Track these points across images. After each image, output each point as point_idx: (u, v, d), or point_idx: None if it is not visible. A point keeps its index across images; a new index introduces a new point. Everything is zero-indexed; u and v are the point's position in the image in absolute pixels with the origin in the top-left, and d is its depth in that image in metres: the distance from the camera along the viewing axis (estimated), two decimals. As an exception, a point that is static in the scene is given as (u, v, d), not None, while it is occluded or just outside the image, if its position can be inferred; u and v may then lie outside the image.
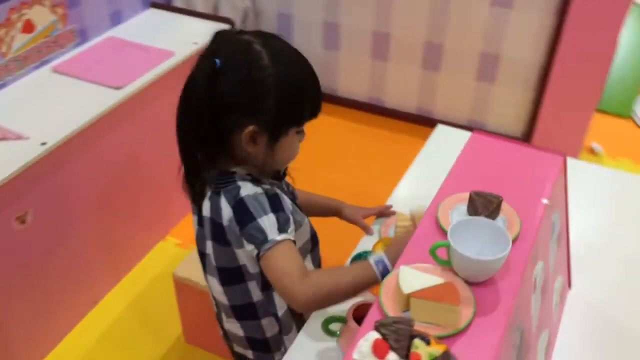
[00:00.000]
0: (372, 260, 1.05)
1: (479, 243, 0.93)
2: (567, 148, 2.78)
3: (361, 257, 1.35)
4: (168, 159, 2.33)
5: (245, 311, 1.23)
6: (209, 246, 1.17)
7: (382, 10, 2.94)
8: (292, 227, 1.08)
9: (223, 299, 1.23)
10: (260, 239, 1.04)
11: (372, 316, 0.89)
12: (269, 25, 3.23)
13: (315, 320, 1.26)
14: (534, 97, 2.84)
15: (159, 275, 2.33)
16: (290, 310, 1.25)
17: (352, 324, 1.20)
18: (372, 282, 1.05)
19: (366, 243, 1.45)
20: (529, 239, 1.00)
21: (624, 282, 1.39)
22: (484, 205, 0.99)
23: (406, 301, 0.87)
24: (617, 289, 1.37)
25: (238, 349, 1.34)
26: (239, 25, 2.92)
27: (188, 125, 1.11)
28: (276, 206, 1.08)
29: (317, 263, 1.34)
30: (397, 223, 1.43)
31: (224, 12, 3.01)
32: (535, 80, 2.80)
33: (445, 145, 1.80)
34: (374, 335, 0.80)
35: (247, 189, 1.09)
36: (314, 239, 1.29)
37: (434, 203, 1.07)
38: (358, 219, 1.43)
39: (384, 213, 1.48)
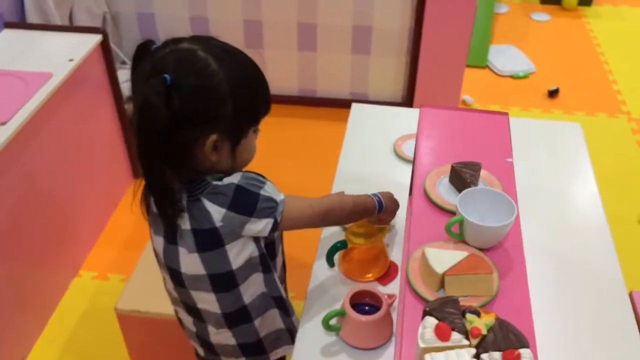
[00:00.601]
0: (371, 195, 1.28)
1: (478, 211, 0.99)
2: (446, 104, 3.01)
3: (336, 249, 1.36)
4: (67, 189, 2.20)
5: (238, 317, 1.21)
6: (194, 259, 1.12)
7: (250, -2, 2.90)
8: None
9: (215, 308, 1.19)
10: (273, 207, 1.08)
11: (409, 302, 0.91)
12: (131, 27, 3.07)
13: (313, 320, 1.26)
14: (409, 62, 2.99)
15: (85, 313, 2.17)
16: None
17: (352, 312, 1.21)
18: (371, 206, 1.26)
19: (331, 233, 1.46)
20: (512, 197, 1.07)
21: (554, 218, 1.54)
22: (470, 174, 1.05)
23: (439, 280, 0.91)
24: (554, 226, 1.52)
25: None
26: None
27: (152, 149, 1.03)
28: (261, 175, 1.11)
29: (284, 256, 1.34)
30: None
31: (81, 20, 2.79)
32: (408, 45, 2.95)
33: (366, 122, 1.88)
34: (431, 321, 0.83)
35: (232, 178, 1.07)
36: None
37: (417, 182, 1.11)
38: None
39: None
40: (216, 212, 1.06)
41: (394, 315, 1.26)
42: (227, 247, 1.10)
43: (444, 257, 0.91)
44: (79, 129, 2.27)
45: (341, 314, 1.23)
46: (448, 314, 0.83)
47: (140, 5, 3.01)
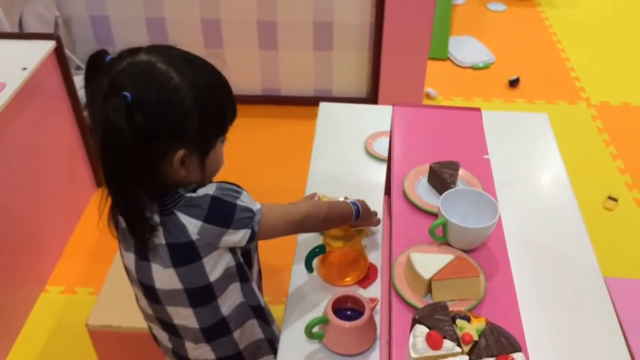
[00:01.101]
0: (350, 203, 1.27)
1: (460, 212, 0.97)
2: (410, 98, 3.02)
3: (315, 254, 1.33)
4: (27, 201, 2.11)
5: (217, 330, 1.18)
6: (169, 274, 1.08)
7: (208, -4, 2.84)
8: None
9: (192, 323, 1.16)
10: (250, 217, 1.06)
11: (397, 309, 0.89)
12: (84, 31, 2.97)
13: (295, 328, 1.23)
14: (371, 57, 2.98)
15: (54, 328, 2.09)
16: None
17: (334, 318, 1.19)
18: (348, 212, 1.26)
19: (308, 237, 1.44)
20: (492, 194, 1.06)
21: (528, 209, 1.55)
22: (450, 174, 1.04)
23: (426, 286, 0.89)
24: (526, 216, 1.52)
25: None
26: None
27: (118, 167, 0.98)
28: (237, 185, 1.08)
29: (259, 264, 1.31)
30: None
31: (32, 26, 2.68)
32: (370, 41, 2.94)
33: (335, 121, 1.85)
34: (421, 329, 0.81)
35: (207, 189, 1.04)
36: None
37: (395, 184, 1.09)
38: None
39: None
40: (192, 225, 1.03)
41: (377, 319, 1.24)
42: (204, 260, 1.07)
43: (430, 262, 0.90)
44: (37, 139, 2.18)
45: (324, 321, 1.20)
46: (438, 321, 0.82)
47: (93, 8, 2.92)
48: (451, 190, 0.99)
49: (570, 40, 3.79)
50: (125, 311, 1.72)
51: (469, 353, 0.79)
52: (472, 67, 3.54)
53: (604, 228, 2.47)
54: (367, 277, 1.38)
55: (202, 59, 1.05)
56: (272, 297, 1.98)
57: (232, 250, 1.10)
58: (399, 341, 0.83)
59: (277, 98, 3.17)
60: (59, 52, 2.24)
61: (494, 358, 0.77)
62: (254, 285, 1.19)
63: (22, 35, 2.33)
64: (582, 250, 1.45)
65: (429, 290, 0.90)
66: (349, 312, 1.25)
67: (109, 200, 1.07)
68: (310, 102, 2.75)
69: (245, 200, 1.06)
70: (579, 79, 3.43)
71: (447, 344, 0.79)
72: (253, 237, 1.07)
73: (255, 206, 1.07)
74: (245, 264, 1.14)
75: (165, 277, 1.09)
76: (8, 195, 2.02)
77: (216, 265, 1.09)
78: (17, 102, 2.00)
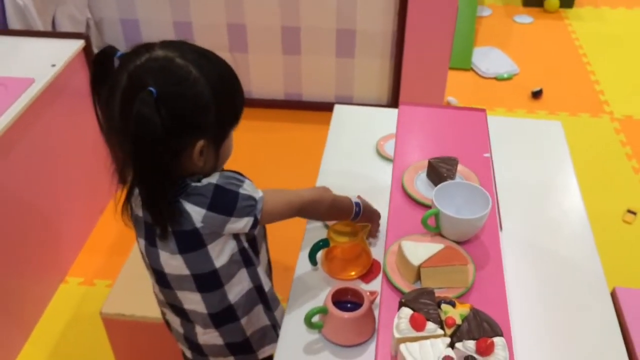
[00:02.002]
0: (353, 202, 1.30)
1: (455, 205, 1.00)
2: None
3: (319, 247, 1.36)
4: (52, 195, 2.18)
5: (224, 316, 1.22)
6: (177, 260, 1.13)
7: (233, 2, 2.91)
8: None
9: (201, 307, 1.20)
10: (252, 205, 1.08)
11: (386, 295, 0.91)
12: (114, 33, 3.07)
13: (296, 317, 1.26)
14: (393, 65, 3.01)
15: (71, 318, 2.15)
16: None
17: (333, 309, 1.22)
18: (349, 207, 1.29)
19: (315, 232, 1.47)
20: (488, 190, 1.08)
21: (536, 213, 1.56)
22: (447, 169, 1.06)
23: (415, 273, 0.91)
24: (535, 222, 1.53)
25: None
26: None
27: (148, 159, 1.02)
28: (239, 173, 1.12)
29: (269, 255, 1.34)
30: None
31: (64, 27, 2.79)
32: (392, 48, 2.97)
33: (348, 123, 1.89)
34: (406, 311, 0.83)
35: (211, 178, 1.08)
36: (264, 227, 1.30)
37: (395, 178, 1.12)
38: None
39: None
40: (196, 213, 1.06)
41: (377, 313, 1.26)
42: (209, 247, 1.11)
43: (420, 250, 0.92)
44: (63, 135, 2.27)
45: (323, 311, 1.23)
46: (423, 304, 0.84)
47: (124, 11, 3.02)
48: (446, 182, 1.02)
49: (596, 53, 3.76)
50: (139, 301, 1.78)
51: (451, 336, 0.81)
52: (495, 78, 3.54)
53: (623, 241, 2.45)
54: (370, 272, 1.40)
55: (214, 53, 1.09)
56: (281, 297, 2.01)
57: (236, 236, 1.14)
58: (386, 323, 0.85)
59: (298, 103, 3.22)
60: (87, 51, 2.32)
61: (475, 341, 0.79)
62: (260, 270, 1.22)
63: (52, 34, 2.42)
64: (588, 257, 1.44)
65: (418, 277, 0.92)
66: (349, 305, 1.27)
67: (124, 190, 1.12)
68: (331, 108, 2.78)
69: (247, 188, 1.09)
70: (603, 92, 3.40)
71: (430, 326, 0.81)
72: (256, 224, 1.11)
73: (258, 194, 1.10)
74: (250, 249, 1.18)
75: (173, 263, 1.14)
76: (33, 189, 2.09)
77: (222, 252, 1.13)
78: (45, 98, 2.08)
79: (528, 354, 1.12)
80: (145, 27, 3.05)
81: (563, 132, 1.86)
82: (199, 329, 1.25)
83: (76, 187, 2.38)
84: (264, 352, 1.31)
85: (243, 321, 1.24)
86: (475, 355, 0.77)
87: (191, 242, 1.10)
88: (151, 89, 0.96)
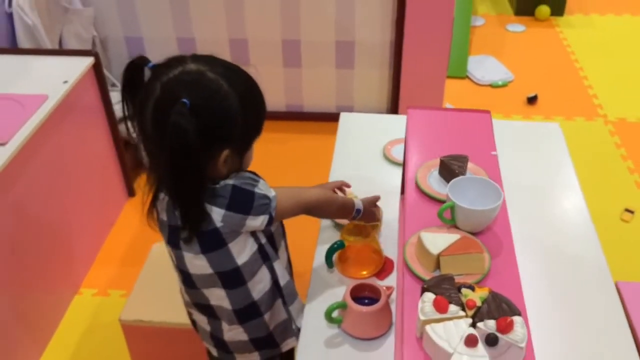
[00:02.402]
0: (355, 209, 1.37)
1: (467, 199, 1.06)
2: (429, 114, 3.11)
3: (334, 249, 1.42)
4: (64, 208, 2.24)
5: (248, 312, 1.27)
6: (201, 260, 1.18)
7: (235, 17, 2.99)
8: None
9: (226, 304, 1.25)
10: (267, 203, 1.15)
11: (408, 283, 0.97)
12: (119, 51, 3.14)
13: (315, 314, 1.32)
14: (391, 74, 3.09)
15: (87, 329, 2.20)
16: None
17: (352, 304, 1.28)
18: (349, 208, 1.36)
19: (329, 233, 1.53)
20: (499, 184, 1.14)
21: (539, 212, 1.62)
22: (458, 166, 1.13)
23: (435, 261, 0.98)
24: (539, 221, 1.59)
25: (242, 358, 1.35)
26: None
27: (182, 167, 1.07)
28: (254, 173, 1.18)
29: (288, 252, 1.39)
30: None
31: (71, 45, 2.86)
32: (390, 58, 3.05)
33: (355, 129, 1.96)
34: (429, 296, 0.90)
35: (228, 180, 1.13)
36: (282, 225, 1.35)
37: (409, 176, 1.18)
38: None
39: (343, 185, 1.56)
40: (216, 214, 1.12)
41: (393, 307, 1.32)
42: (230, 245, 1.17)
43: (438, 240, 0.98)
44: (75, 150, 2.32)
45: (342, 306, 1.29)
46: (445, 289, 0.90)
47: (128, 29, 3.09)
48: (459, 177, 1.08)
49: (587, 59, 3.86)
50: (157, 307, 1.83)
51: (473, 317, 0.87)
52: (490, 85, 3.63)
53: (622, 239, 2.52)
54: (383, 270, 1.46)
55: (240, 67, 1.16)
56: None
57: (254, 234, 1.20)
58: (409, 309, 0.91)
59: (300, 114, 3.29)
60: (97, 67, 2.39)
61: (495, 320, 0.85)
62: (277, 264, 1.27)
63: (62, 51, 2.49)
64: (592, 252, 1.50)
65: (438, 265, 0.98)
66: (366, 301, 1.33)
67: (149, 197, 1.19)
68: (332, 118, 2.84)
69: (262, 188, 1.15)
70: (597, 97, 3.49)
71: (452, 308, 0.88)
72: (271, 222, 1.17)
73: (271, 193, 1.17)
74: (269, 245, 1.24)
75: (197, 263, 1.20)
76: (46, 202, 2.14)
77: (242, 250, 1.19)
78: (59, 114, 2.14)
79: (542, 340, 1.18)
80: (149, 44, 3.12)
81: (562, 133, 1.94)
82: (224, 326, 1.30)
83: (88, 200, 2.43)
84: (286, 345, 1.37)
85: (266, 316, 1.30)
86: (497, 333, 0.83)
87: (213, 242, 1.16)
88: (185, 100, 1.02)
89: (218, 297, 1.25)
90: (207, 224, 1.13)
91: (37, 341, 2.13)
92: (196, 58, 1.10)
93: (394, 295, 1.34)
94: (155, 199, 1.21)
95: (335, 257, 1.47)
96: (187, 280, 1.26)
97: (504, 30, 4.25)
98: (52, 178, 2.17)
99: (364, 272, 1.45)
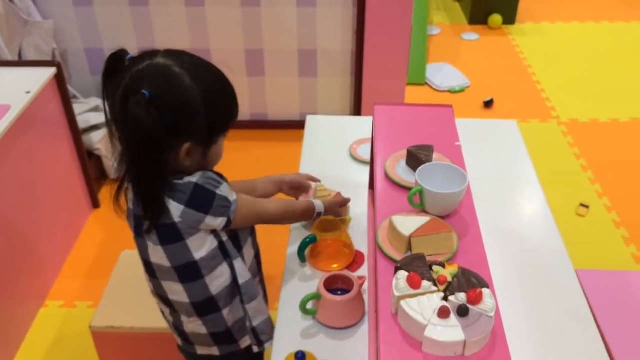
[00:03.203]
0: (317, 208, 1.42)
1: (435, 184, 1.11)
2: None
3: (307, 244, 1.46)
4: (27, 220, 2.21)
5: (206, 307, 1.28)
6: (159, 251, 1.20)
7: (197, 27, 3.02)
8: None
9: (184, 297, 1.27)
10: (227, 206, 1.17)
11: (382, 265, 1.01)
12: (80, 63, 3.12)
13: (290, 307, 1.34)
14: (353, 82, 3.15)
15: (54, 341, 2.17)
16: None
17: (327, 294, 1.31)
18: (310, 212, 1.42)
19: (301, 230, 1.56)
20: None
21: (501, 203, 1.70)
22: (425, 155, 1.18)
23: (406, 243, 1.02)
24: (501, 211, 1.66)
25: (202, 350, 1.37)
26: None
27: (138, 155, 1.11)
28: (219, 175, 1.19)
29: (256, 248, 1.40)
30: (317, 194, 1.57)
31: (30, 57, 2.82)
32: (352, 66, 3.12)
33: (321, 131, 2.00)
34: (403, 273, 0.94)
35: (192, 177, 1.15)
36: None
37: (378, 166, 1.23)
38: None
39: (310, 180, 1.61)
40: (175, 209, 1.14)
41: (365, 298, 1.36)
42: (188, 240, 1.18)
43: (409, 223, 1.03)
44: (38, 161, 2.30)
45: (316, 297, 1.32)
46: (417, 267, 0.95)
47: (89, 41, 3.08)
48: (426, 164, 1.13)
49: (539, 64, 4.01)
50: (128, 312, 1.83)
51: (444, 291, 0.92)
52: (449, 91, 3.73)
53: (578, 232, 2.62)
54: (354, 262, 1.50)
55: (211, 64, 1.18)
56: (273, 293, 2.07)
57: (214, 231, 1.21)
58: (383, 288, 0.95)
59: (264, 123, 3.32)
60: (59, 78, 2.38)
61: (465, 293, 0.90)
62: (237, 263, 1.27)
63: (24, 63, 2.46)
64: (552, 238, 1.58)
65: (409, 247, 1.03)
66: (339, 292, 1.37)
67: (115, 187, 1.21)
68: (297, 125, 2.90)
69: (224, 190, 1.17)
70: (550, 100, 3.63)
71: (425, 284, 0.92)
72: (229, 224, 1.19)
73: (232, 197, 1.19)
74: (232, 243, 1.25)
75: (157, 254, 1.21)
76: (9, 214, 2.11)
77: (201, 246, 1.20)
78: (21, 125, 2.12)
79: (508, 315, 1.24)
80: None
81: (518, 129, 2.02)
82: (184, 318, 1.32)
83: (52, 212, 2.40)
84: (244, 342, 1.37)
85: (225, 312, 1.30)
86: (467, 304, 0.88)
87: (171, 235, 1.17)
88: (144, 91, 1.05)
89: (175, 291, 1.26)
90: (166, 217, 1.15)
91: (3, 354, 2.08)
92: (167, 53, 1.13)
93: (365, 285, 1.38)
94: (121, 187, 1.22)
95: (307, 251, 1.51)
96: (149, 269, 1.27)
97: (459, 39, 4.38)
98: (15, 189, 2.14)
99: (336, 266, 1.49)
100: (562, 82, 3.82)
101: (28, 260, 2.24)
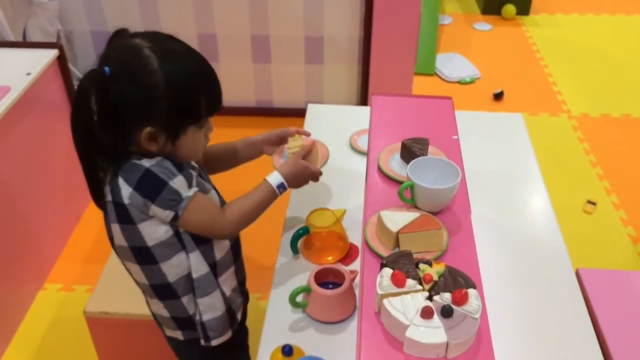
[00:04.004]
0: (272, 183, 1.28)
1: (428, 179, 1.08)
2: (398, 109, 3.14)
3: (299, 235, 1.43)
4: (28, 203, 2.20)
5: (164, 291, 1.25)
6: (117, 230, 1.18)
7: (203, 12, 2.98)
8: (194, 180, 1.17)
9: (142, 279, 1.24)
10: (176, 201, 1.11)
11: (368, 261, 0.99)
12: (85, 45, 3.10)
13: (280, 299, 1.32)
14: (360, 70, 3.11)
15: (52, 323, 2.17)
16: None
17: (317, 288, 1.28)
18: (274, 199, 1.28)
19: (293, 221, 1.54)
20: (458, 165, 1.17)
21: (502, 198, 1.66)
22: (419, 148, 1.14)
23: (394, 239, 0.99)
24: (502, 206, 1.63)
25: (169, 332, 1.34)
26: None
27: (83, 134, 1.11)
28: (180, 166, 1.14)
29: (237, 246, 1.35)
30: (289, 147, 1.45)
31: (35, 38, 2.82)
32: (359, 54, 3.07)
33: (322, 121, 1.97)
34: (388, 271, 0.91)
35: (148, 161, 1.12)
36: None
37: (371, 158, 1.20)
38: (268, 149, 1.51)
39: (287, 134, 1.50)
40: (124, 189, 1.11)
41: (357, 292, 1.33)
42: (139, 225, 1.14)
43: (398, 218, 1.00)
44: (39, 144, 2.29)
45: (306, 290, 1.30)
46: (403, 264, 0.92)
47: (94, 23, 3.05)
48: (419, 158, 1.10)
49: (552, 56, 3.94)
50: (122, 299, 1.81)
51: (429, 290, 0.89)
52: (458, 82, 3.68)
53: (584, 229, 2.58)
54: (348, 255, 1.47)
55: (192, 52, 1.14)
56: (261, 294, 2.06)
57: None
58: (368, 285, 0.93)
59: (270, 110, 3.29)
60: (61, 60, 2.36)
61: (450, 293, 0.87)
62: (195, 255, 1.21)
63: (26, 44, 2.45)
64: (552, 236, 1.55)
65: (397, 243, 1.00)
66: (330, 285, 1.34)
67: None
68: (302, 113, 2.85)
69: (177, 183, 1.11)
70: (561, 93, 3.57)
71: (410, 282, 0.89)
72: (176, 219, 1.13)
73: (186, 193, 1.12)
74: (189, 234, 1.19)
75: (116, 233, 1.18)
76: (9, 197, 2.11)
77: (154, 233, 1.16)
78: (21, 106, 2.11)
79: (501, 316, 1.21)
80: (116, 38, 3.08)
81: (524, 123, 1.98)
82: (147, 299, 1.31)
83: (52, 195, 2.40)
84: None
85: (184, 299, 1.26)
86: (452, 305, 0.85)
87: (124, 215, 1.14)
88: (106, 68, 1.06)
89: (135, 272, 1.24)
90: (118, 196, 1.12)
91: (1, 335, 2.09)
92: (149, 35, 1.12)
93: (358, 280, 1.36)
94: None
95: (300, 243, 1.48)
96: (114, 248, 1.24)
97: (471, 29, 4.31)
98: (15, 172, 2.14)
99: (329, 258, 1.46)
100: (575, 75, 3.74)
101: (28, 243, 2.24)
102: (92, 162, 1.15)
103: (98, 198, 1.19)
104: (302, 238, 1.47)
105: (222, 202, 1.29)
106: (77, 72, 2.98)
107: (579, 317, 1.34)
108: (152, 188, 1.10)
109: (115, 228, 1.17)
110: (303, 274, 1.41)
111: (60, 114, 2.45)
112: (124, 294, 1.83)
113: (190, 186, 1.14)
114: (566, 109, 3.41)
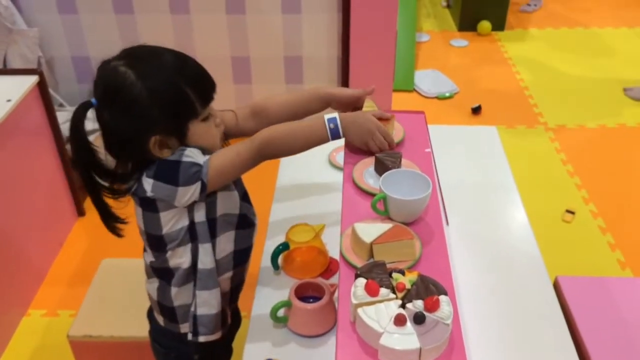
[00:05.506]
0: (325, 119, 1.21)
1: (401, 191, 1.10)
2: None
3: (279, 251, 1.45)
4: (11, 229, 2.20)
5: (160, 274, 1.29)
6: (139, 213, 1.22)
7: (182, 35, 3.02)
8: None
9: (148, 257, 1.28)
10: (197, 169, 1.12)
11: (344, 273, 1.01)
12: (66, 71, 3.12)
13: (261, 314, 1.34)
14: (340, 88, 3.15)
15: (36, 349, 2.16)
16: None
17: (297, 302, 1.30)
18: (321, 131, 1.21)
19: (274, 239, 1.56)
20: (430, 177, 1.20)
21: (479, 208, 1.69)
22: (392, 161, 1.17)
23: (368, 250, 1.01)
24: (478, 217, 1.67)
25: (156, 314, 1.37)
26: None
27: (86, 165, 1.17)
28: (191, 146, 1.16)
29: (242, 247, 1.33)
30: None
31: (15, 65, 2.83)
32: (338, 73, 3.12)
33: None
34: (362, 281, 0.93)
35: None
36: (245, 220, 1.30)
37: (346, 172, 1.23)
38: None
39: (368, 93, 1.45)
40: (147, 183, 1.15)
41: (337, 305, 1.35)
42: (161, 214, 1.18)
43: (371, 230, 1.02)
44: (21, 170, 2.29)
45: (287, 304, 1.32)
46: (376, 274, 0.94)
47: (75, 49, 3.07)
48: (391, 170, 1.13)
49: (527, 70, 4.02)
50: (106, 321, 1.82)
51: (402, 298, 0.91)
52: (437, 97, 3.74)
53: (563, 238, 2.62)
54: (328, 269, 1.50)
55: (168, 51, 1.18)
56: (247, 312, 2.06)
57: (191, 211, 1.18)
58: (344, 296, 0.95)
59: (251, 130, 3.32)
60: (41, 86, 2.37)
61: (423, 300, 0.89)
62: (204, 248, 1.22)
63: (6, 71, 2.46)
64: (527, 243, 1.58)
65: (371, 254, 1.02)
66: (311, 300, 1.36)
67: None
68: (283, 132, 2.91)
69: (190, 154, 1.13)
70: (537, 105, 3.64)
71: (383, 291, 0.91)
72: (205, 188, 1.14)
73: (202, 159, 1.13)
74: (206, 226, 1.20)
75: (139, 216, 1.23)
76: (-6, 219, 2.11)
77: (171, 222, 1.19)
78: (2, 133, 2.12)
79: (478, 322, 1.24)
80: (97, 64, 3.10)
81: (498, 136, 2.02)
82: (146, 277, 1.34)
83: (35, 220, 2.40)
84: (185, 327, 1.31)
85: (172, 290, 1.27)
86: (424, 312, 0.88)
87: (147, 204, 1.18)
88: (92, 100, 1.13)
89: (145, 249, 1.29)
90: (142, 191, 1.15)
91: (-17, 365, 2.07)
92: (120, 54, 1.16)
93: (337, 293, 1.38)
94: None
95: (281, 259, 1.50)
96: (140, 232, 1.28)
97: (448, 45, 4.39)
98: (-4, 197, 2.14)
99: (310, 273, 1.48)
100: (550, 88, 3.82)
101: (11, 269, 2.23)
102: (97, 186, 1.18)
103: (108, 220, 1.23)
104: (283, 253, 1.49)
105: (244, 192, 1.31)
106: (59, 97, 3.00)
107: (556, 324, 1.37)
108: (170, 171, 1.12)
109: (139, 212, 1.21)
110: (284, 289, 1.43)
111: (42, 139, 2.46)
112: (108, 316, 1.83)
113: (204, 153, 1.15)
114: (543, 121, 3.48)
